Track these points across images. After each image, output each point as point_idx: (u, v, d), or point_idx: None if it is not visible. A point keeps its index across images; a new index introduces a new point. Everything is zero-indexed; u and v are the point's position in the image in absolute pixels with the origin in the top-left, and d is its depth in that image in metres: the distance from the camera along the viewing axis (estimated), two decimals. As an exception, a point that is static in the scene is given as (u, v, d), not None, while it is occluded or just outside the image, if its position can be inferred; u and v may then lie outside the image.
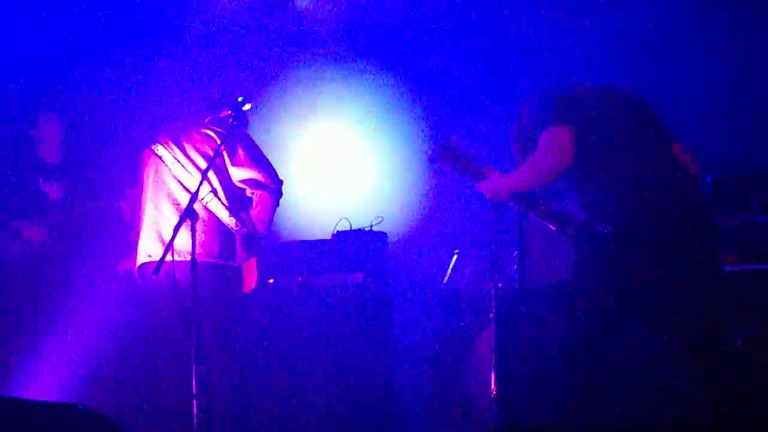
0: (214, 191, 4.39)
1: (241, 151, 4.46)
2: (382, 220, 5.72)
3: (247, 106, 4.17)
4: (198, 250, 4.14)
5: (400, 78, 6.62)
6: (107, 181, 5.31)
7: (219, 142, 4.34)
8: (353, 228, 5.73)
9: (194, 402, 3.80)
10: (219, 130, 4.41)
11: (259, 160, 4.51)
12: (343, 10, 6.44)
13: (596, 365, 3.46)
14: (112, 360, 5.21)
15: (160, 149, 4.47)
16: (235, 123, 4.19)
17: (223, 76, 6.06)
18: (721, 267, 3.61)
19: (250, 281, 4.54)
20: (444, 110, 6.48)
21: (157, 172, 4.50)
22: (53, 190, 5.27)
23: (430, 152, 3.95)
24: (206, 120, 4.43)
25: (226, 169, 4.44)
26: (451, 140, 3.92)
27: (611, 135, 3.49)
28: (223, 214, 4.39)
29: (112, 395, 5.10)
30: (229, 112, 4.19)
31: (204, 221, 4.33)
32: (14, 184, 5.19)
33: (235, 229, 4.40)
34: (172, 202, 4.41)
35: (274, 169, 4.57)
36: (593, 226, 3.46)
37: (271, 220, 4.56)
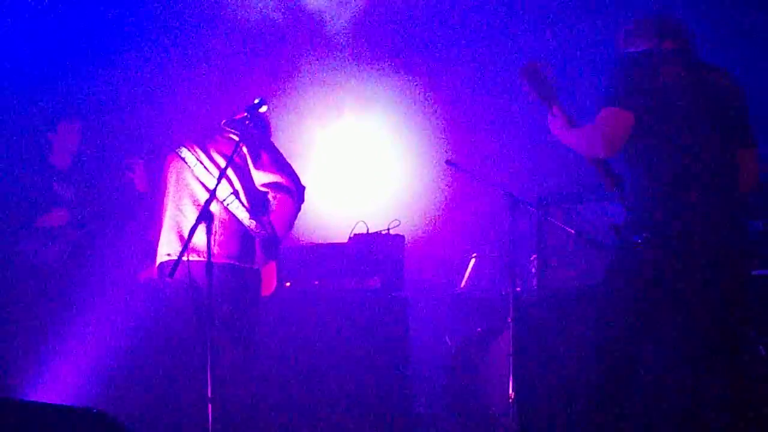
0: (235, 193, 4.39)
1: (264, 155, 4.47)
2: (399, 223, 5.70)
3: (263, 108, 4.18)
4: (217, 251, 4.20)
5: (420, 81, 6.60)
6: (120, 183, 5.32)
7: (238, 143, 4.33)
8: (370, 231, 5.71)
9: (209, 406, 3.77)
10: (235, 132, 4.44)
11: (282, 164, 4.52)
12: (363, 11, 6.43)
13: (621, 376, 3.39)
14: (128, 362, 5.21)
15: (183, 151, 4.51)
16: (250, 125, 4.18)
17: (243, 81, 6.11)
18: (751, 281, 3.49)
19: (270, 285, 4.55)
20: (463, 114, 6.46)
21: (179, 173, 4.52)
22: (65, 192, 5.29)
23: (523, 66, 3.78)
24: (222, 122, 4.43)
25: (249, 171, 4.44)
26: (542, 65, 3.79)
27: (673, 128, 3.33)
28: (244, 216, 4.39)
29: (127, 398, 5.10)
30: (246, 114, 4.18)
31: (224, 223, 4.35)
32: (29, 184, 5.22)
33: (255, 231, 4.40)
34: (193, 202, 4.42)
35: (297, 175, 4.58)
36: (627, 233, 3.37)
37: (291, 225, 4.55)
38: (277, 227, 4.45)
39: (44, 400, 4.67)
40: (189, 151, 4.49)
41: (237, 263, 4.36)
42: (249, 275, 4.42)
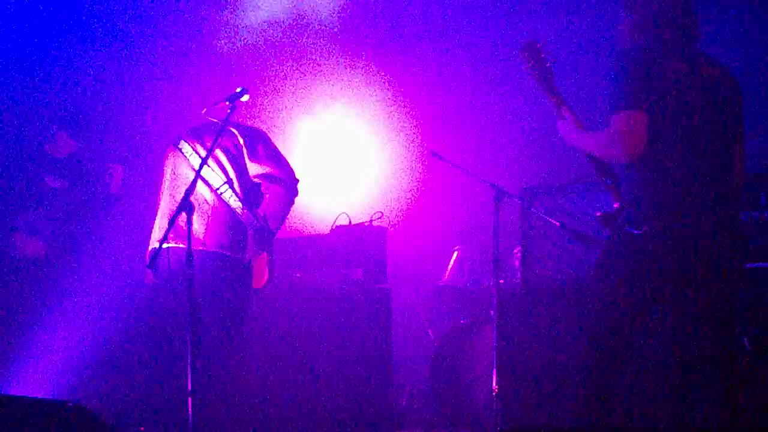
0: (229, 182, 4.41)
1: (260, 147, 4.50)
2: (382, 215, 5.67)
3: (245, 98, 4.17)
4: (209, 240, 4.27)
5: (404, 73, 6.57)
6: (110, 178, 5.33)
7: (237, 136, 4.45)
8: (353, 223, 5.68)
9: (189, 399, 3.73)
10: (236, 125, 4.50)
11: (277, 157, 4.56)
12: (347, 4, 6.40)
13: (611, 367, 3.37)
14: (108, 356, 5.17)
15: (182, 143, 4.54)
16: (230, 112, 4.18)
17: (228, 74, 6.07)
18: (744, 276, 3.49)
19: (261, 277, 4.53)
20: (448, 105, 6.43)
21: (176, 164, 4.53)
22: (57, 183, 5.26)
23: (523, 44, 3.74)
24: (203, 111, 4.43)
25: (244, 162, 4.47)
26: (537, 42, 3.75)
27: (677, 124, 3.31)
28: (237, 206, 4.40)
29: (107, 391, 5.06)
30: (227, 103, 4.17)
31: (217, 211, 4.37)
32: (19, 176, 5.21)
33: (247, 222, 4.41)
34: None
35: (291, 168, 4.60)
36: (624, 225, 3.35)
37: (284, 217, 4.56)
38: (269, 219, 4.46)
39: (22, 394, 4.62)
40: (187, 143, 4.52)
41: (228, 253, 4.36)
42: (239, 266, 4.41)
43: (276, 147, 4.62)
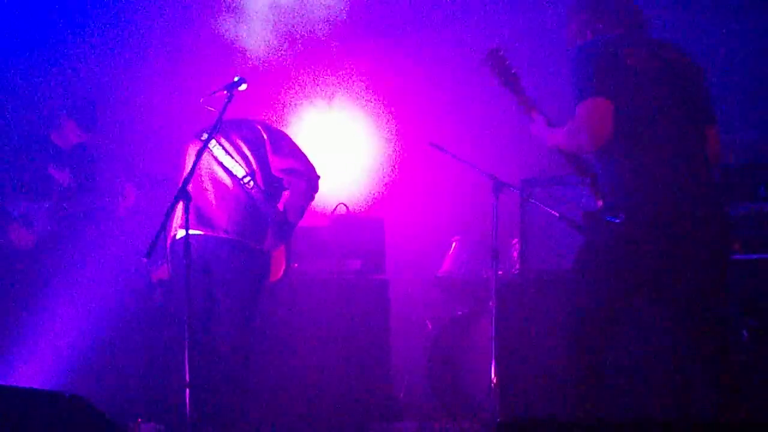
0: (251, 173, 4.49)
1: (283, 143, 4.61)
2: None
3: (243, 87, 4.20)
4: (229, 228, 4.37)
5: (402, 63, 6.55)
6: (111, 172, 5.37)
7: (261, 130, 4.56)
8: (351, 213, 5.67)
9: (187, 391, 3.72)
10: (261, 121, 4.63)
11: (299, 152, 4.66)
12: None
13: (598, 357, 3.38)
14: (105, 347, 5.18)
15: (205, 135, 4.51)
16: (228, 101, 4.20)
17: (222, 63, 6.07)
18: (731, 261, 3.49)
19: (278, 270, 4.59)
20: (446, 96, 6.41)
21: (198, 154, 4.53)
22: (61, 176, 5.25)
23: (485, 53, 3.80)
24: (201, 100, 4.43)
25: (266, 154, 4.55)
26: (499, 49, 3.80)
27: (644, 109, 3.32)
28: (258, 198, 4.47)
29: (104, 383, 5.07)
30: (225, 92, 4.18)
31: (239, 202, 4.45)
32: (24, 165, 5.22)
33: (268, 213, 4.48)
34: (211, 179, 4.52)
35: (313, 165, 4.69)
36: (605, 214, 3.35)
37: (303, 211, 4.63)
38: (289, 212, 4.55)
39: (20, 385, 4.62)
40: (211, 136, 4.50)
41: (248, 242, 4.43)
42: (258, 256, 4.48)
43: (297, 145, 4.71)
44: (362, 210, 5.69)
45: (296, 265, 5.50)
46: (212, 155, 4.52)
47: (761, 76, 5.31)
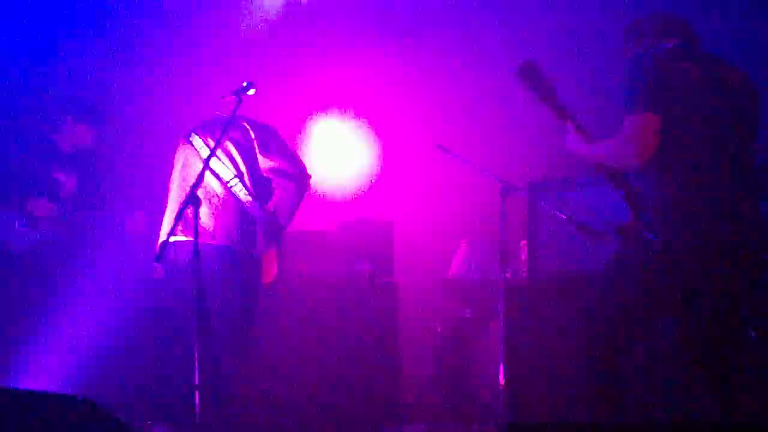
0: (240, 175, 4.41)
1: (271, 142, 4.50)
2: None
3: (251, 91, 4.16)
4: (218, 233, 4.28)
5: (410, 66, 6.57)
6: (120, 186, 5.40)
7: (249, 129, 4.46)
8: (359, 217, 5.69)
9: (197, 393, 3.75)
10: (249, 119, 4.51)
11: (288, 152, 4.57)
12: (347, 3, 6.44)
13: (617, 363, 3.37)
14: (115, 349, 5.19)
15: (193, 137, 4.54)
16: (237, 105, 4.19)
17: (233, 71, 6.09)
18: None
19: (270, 272, 4.52)
20: (454, 98, 6.43)
21: (187, 157, 4.53)
22: (65, 179, 5.28)
23: (519, 66, 3.71)
24: (212, 104, 4.44)
25: (254, 155, 4.47)
26: (533, 62, 3.71)
27: (693, 129, 3.29)
28: (247, 200, 4.40)
29: (115, 385, 5.08)
30: (234, 97, 4.17)
31: (227, 205, 4.37)
32: (28, 168, 5.23)
33: (257, 216, 4.41)
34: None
35: (303, 164, 4.61)
36: (641, 229, 3.32)
37: (294, 212, 4.55)
38: (279, 214, 4.46)
39: (32, 388, 4.65)
40: (199, 137, 4.52)
41: (237, 247, 4.36)
42: (249, 260, 4.41)
43: (287, 143, 4.63)
44: (371, 213, 5.70)
45: (305, 268, 5.52)
46: (200, 158, 4.44)
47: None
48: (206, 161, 4.01)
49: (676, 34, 3.48)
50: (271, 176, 4.50)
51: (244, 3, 6.27)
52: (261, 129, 4.52)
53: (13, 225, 5.14)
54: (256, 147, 4.47)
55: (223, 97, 4.30)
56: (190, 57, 6.16)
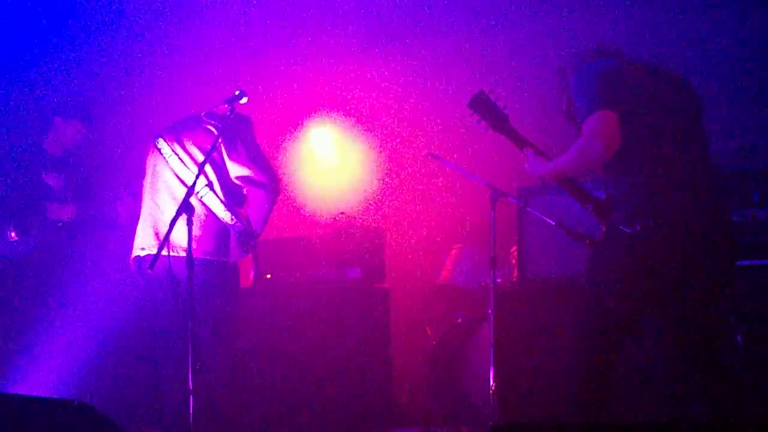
0: (210, 185, 4.33)
1: (240, 148, 4.40)
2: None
3: (243, 100, 4.14)
4: (192, 246, 4.08)
5: (400, 74, 6.61)
6: (106, 180, 5.37)
7: (217, 135, 4.29)
8: (350, 223, 5.72)
9: (191, 398, 3.77)
10: (216, 123, 4.38)
11: (255, 158, 4.44)
12: (342, 5, 6.45)
13: (608, 365, 3.41)
14: (108, 355, 5.20)
15: (161, 143, 4.45)
16: (231, 117, 4.16)
17: (224, 75, 6.13)
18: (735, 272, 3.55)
19: (247, 278, 4.52)
20: (444, 105, 6.46)
21: (156, 165, 4.47)
22: (56, 182, 5.28)
23: (471, 99, 3.84)
24: (203, 114, 4.40)
25: (224, 163, 4.38)
26: (483, 92, 3.84)
27: (649, 122, 3.38)
28: (219, 209, 4.33)
29: (108, 391, 5.09)
30: (226, 106, 4.15)
31: (199, 216, 4.27)
32: (16, 174, 5.24)
33: (230, 224, 4.35)
34: (169, 195, 4.37)
35: (272, 168, 4.51)
36: (617, 224, 3.39)
37: (266, 218, 4.49)
38: (252, 221, 4.41)
39: (27, 393, 4.66)
40: (165, 142, 4.44)
41: (213, 258, 4.32)
42: (225, 269, 4.37)
43: (257, 145, 4.51)
44: (362, 219, 5.73)
45: (297, 274, 5.55)
46: (169, 167, 4.38)
47: (756, 82, 5.36)
48: (190, 188, 3.95)
49: (612, 55, 3.60)
50: (241, 183, 4.42)
51: (234, 6, 6.28)
52: (229, 134, 4.35)
53: (8, 234, 5.14)
54: (225, 155, 4.37)
55: (214, 107, 4.28)
56: (181, 57, 6.19)
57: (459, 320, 5.61)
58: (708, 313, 3.37)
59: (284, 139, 6.53)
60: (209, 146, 4.24)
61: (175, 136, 4.44)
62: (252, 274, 4.53)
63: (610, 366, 3.40)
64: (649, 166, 3.36)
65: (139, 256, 4.40)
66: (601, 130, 3.32)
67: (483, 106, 3.84)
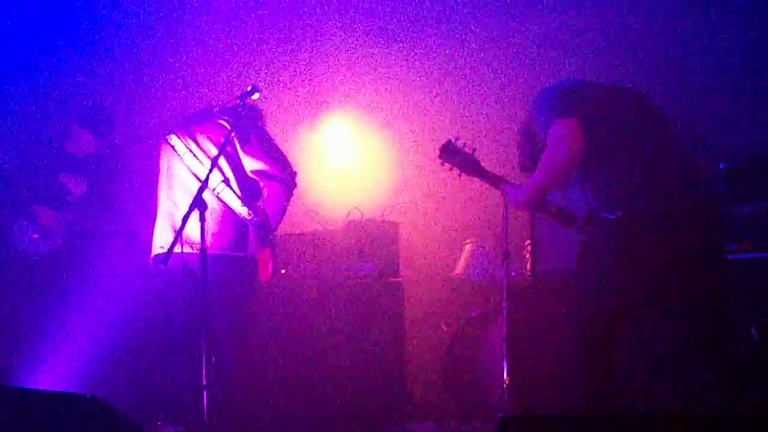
0: (225, 180, 4.35)
1: (254, 142, 4.42)
2: (386, 212, 5.73)
3: (255, 96, 4.16)
4: (210, 242, 4.14)
5: (413, 66, 6.60)
6: (124, 179, 5.41)
7: (230, 130, 4.31)
8: (365, 218, 5.72)
9: (204, 393, 3.79)
10: (228, 118, 4.41)
11: (270, 151, 4.48)
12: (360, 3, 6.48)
13: (606, 356, 3.43)
14: (125, 351, 5.23)
15: (173, 139, 4.46)
16: (243, 112, 4.18)
17: (237, 70, 6.15)
18: (726, 255, 3.58)
19: (266, 272, 4.49)
20: (457, 98, 6.46)
21: (170, 162, 4.49)
22: (76, 186, 5.32)
23: (439, 149, 4.08)
24: (215, 109, 4.42)
25: (239, 158, 4.40)
26: (450, 142, 4.05)
27: (616, 124, 3.49)
28: (235, 204, 4.35)
29: (124, 386, 5.11)
30: (238, 101, 4.17)
31: (216, 212, 4.30)
32: (35, 173, 5.27)
33: (247, 218, 4.37)
34: (185, 192, 4.38)
35: (288, 161, 4.54)
36: (600, 212, 3.45)
37: (283, 212, 4.52)
38: (269, 215, 4.42)
39: (40, 388, 4.70)
40: (178, 138, 4.45)
41: (230, 253, 4.34)
42: (243, 264, 4.39)
43: (271, 139, 4.54)
44: (376, 214, 5.73)
45: (312, 269, 5.55)
46: (184, 164, 4.40)
47: (761, 76, 5.33)
48: (204, 182, 3.95)
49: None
50: (257, 177, 4.44)
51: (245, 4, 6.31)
52: (242, 128, 4.39)
53: (27, 232, 5.18)
54: (240, 149, 4.40)
55: (226, 103, 4.30)
56: (195, 58, 6.21)
57: (473, 314, 5.61)
58: (699, 299, 3.38)
59: (298, 134, 6.52)
60: (225, 140, 4.24)
61: (188, 132, 4.46)
62: (270, 269, 4.52)
63: (607, 355, 3.42)
64: (621, 161, 3.47)
65: (158, 254, 4.42)
66: (563, 134, 3.43)
67: (453, 154, 4.03)
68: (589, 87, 3.60)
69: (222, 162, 4.33)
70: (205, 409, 3.81)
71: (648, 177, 3.40)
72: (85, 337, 5.09)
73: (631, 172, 3.42)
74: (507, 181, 3.87)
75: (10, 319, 5.11)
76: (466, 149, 4.02)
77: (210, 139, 4.41)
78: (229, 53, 6.41)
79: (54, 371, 4.98)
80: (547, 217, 3.82)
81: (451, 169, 4.05)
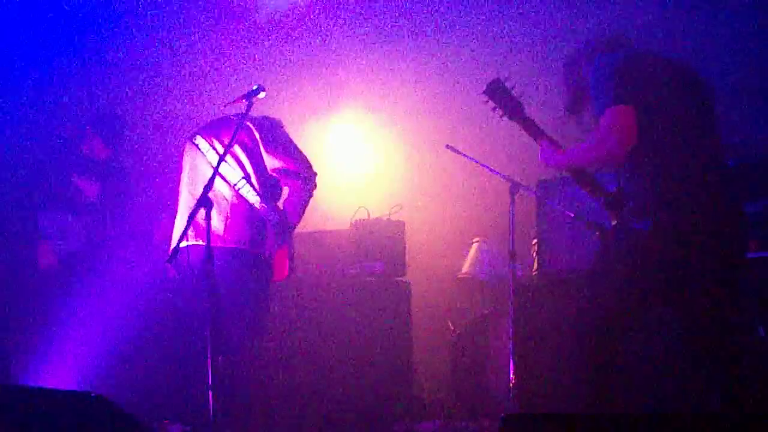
0: (247, 177, 4.39)
1: (276, 141, 4.48)
2: (401, 208, 5.72)
3: (261, 95, 4.16)
4: (228, 236, 4.24)
5: (418, 65, 6.60)
6: (139, 182, 5.49)
7: (253, 130, 4.42)
8: (371, 217, 5.73)
9: (210, 393, 3.79)
10: (235, 113, 4.45)
11: (292, 150, 4.53)
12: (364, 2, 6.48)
13: (614, 356, 3.41)
14: (132, 350, 5.25)
15: (198, 139, 4.52)
16: (249, 110, 4.20)
17: (246, 71, 6.17)
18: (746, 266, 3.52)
19: (282, 271, 4.51)
20: (463, 98, 6.45)
21: (194, 160, 4.52)
22: (87, 186, 5.34)
23: (486, 86, 3.85)
24: (231, 115, 4.46)
25: (260, 155, 4.45)
26: (499, 80, 3.84)
27: (667, 117, 3.36)
28: (255, 200, 4.38)
29: (131, 385, 5.13)
30: (244, 100, 4.19)
31: (235, 207, 4.35)
32: (49, 175, 5.32)
33: (267, 216, 4.39)
34: None
35: (307, 159, 4.58)
36: (628, 220, 3.37)
37: (303, 210, 4.55)
38: (288, 213, 4.46)
39: (48, 386, 4.72)
40: (203, 138, 4.50)
41: (248, 248, 4.35)
42: (259, 261, 4.41)
43: (291, 139, 4.60)
44: (383, 213, 5.74)
45: (319, 268, 5.57)
46: (206, 160, 4.43)
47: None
48: (216, 168, 3.99)
49: (624, 46, 3.56)
50: (277, 176, 4.49)
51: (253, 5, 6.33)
52: (266, 128, 4.48)
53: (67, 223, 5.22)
54: (262, 147, 4.44)
55: (233, 101, 4.32)
56: (207, 62, 6.24)
57: (480, 313, 5.61)
58: (719, 307, 3.35)
59: (305, 133, 6.53)
60: (248, 140, 4.37)
61: (214, 133, 4.51)
62: (287, 269, 4.54)
63: (615, 357, 3.39)
64: (662, 161, 3.33)
65: (177, 246, 4.45)
66: (619, 125, 3.31)
67: (498, 93, 3.82)
68: (648, 66, 3.43)
69: (244, 158, 4.40)
70: (211, 408, 3.81)
71: (683, 182, 3.30)
72: (92, 336, 5.11)
73: (667, 176, 3.30)
74: (547, 137, 3.70)
75: (20, 318, 5.14)
76: (513, 92, 3.82)
77: (235, 140, 4.42)
78: (238, 55, 6.44)
79: (61, 370, 5.00)
80: (572, 177, 3.69)
81: (494, 109, 3.83)
